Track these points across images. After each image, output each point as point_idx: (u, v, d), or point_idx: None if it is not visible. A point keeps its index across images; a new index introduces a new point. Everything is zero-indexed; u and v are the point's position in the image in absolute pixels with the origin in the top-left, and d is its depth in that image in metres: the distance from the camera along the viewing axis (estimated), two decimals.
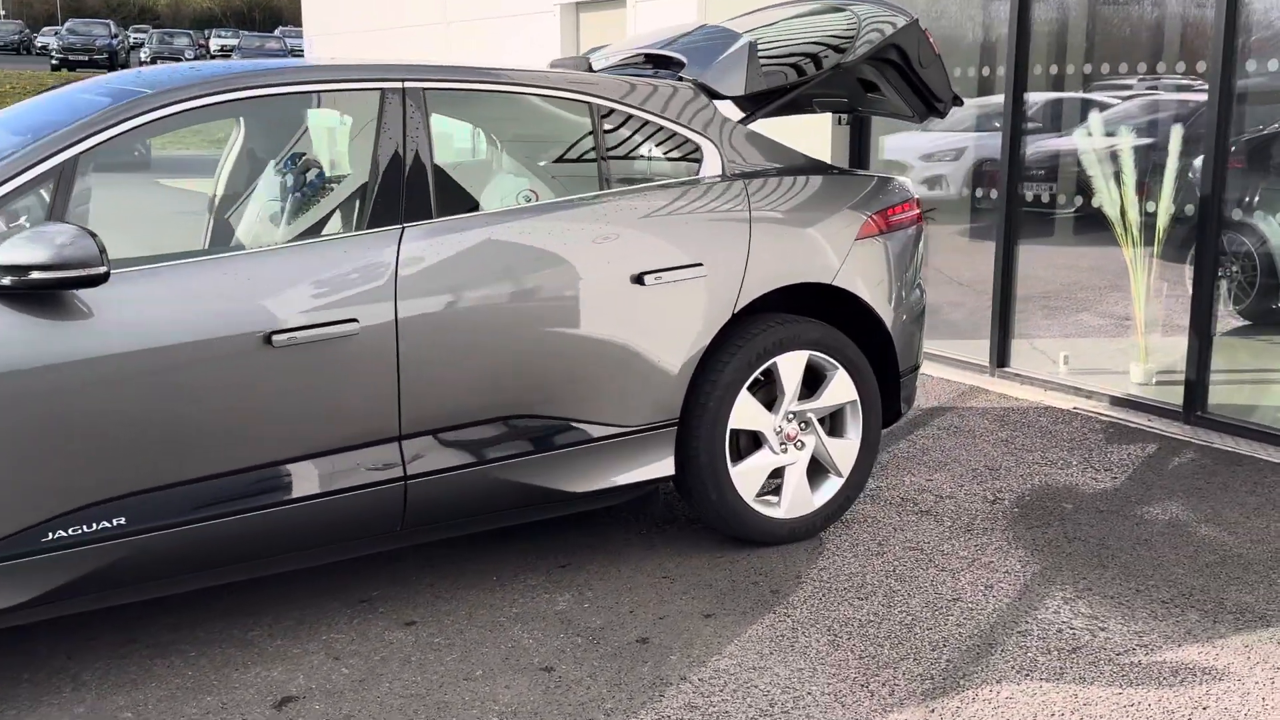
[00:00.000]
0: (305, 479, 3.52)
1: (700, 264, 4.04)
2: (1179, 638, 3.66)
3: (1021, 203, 6.61)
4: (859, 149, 7.52)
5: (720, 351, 4.17)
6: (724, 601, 3.94)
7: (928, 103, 4.83)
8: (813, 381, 4.38)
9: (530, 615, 3.86)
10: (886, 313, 4.48)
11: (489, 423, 3.78)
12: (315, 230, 3.92)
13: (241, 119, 4.21)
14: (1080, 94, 6.74)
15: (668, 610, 3.88)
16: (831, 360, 4.35)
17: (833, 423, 4.50)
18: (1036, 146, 6.85)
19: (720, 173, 4.24)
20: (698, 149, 4.24)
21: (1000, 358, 6.76)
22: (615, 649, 3.63)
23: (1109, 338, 6.92)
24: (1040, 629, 3.73)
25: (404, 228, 3.64)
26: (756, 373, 4.20)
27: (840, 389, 4.39)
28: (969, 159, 7.39)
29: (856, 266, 4.38)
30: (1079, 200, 6.64)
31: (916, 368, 4.73)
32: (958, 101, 4.89)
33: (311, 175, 4.00)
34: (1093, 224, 6.58)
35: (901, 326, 4.54)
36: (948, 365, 7.01)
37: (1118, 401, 6.14)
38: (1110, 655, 3.57)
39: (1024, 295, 6.82)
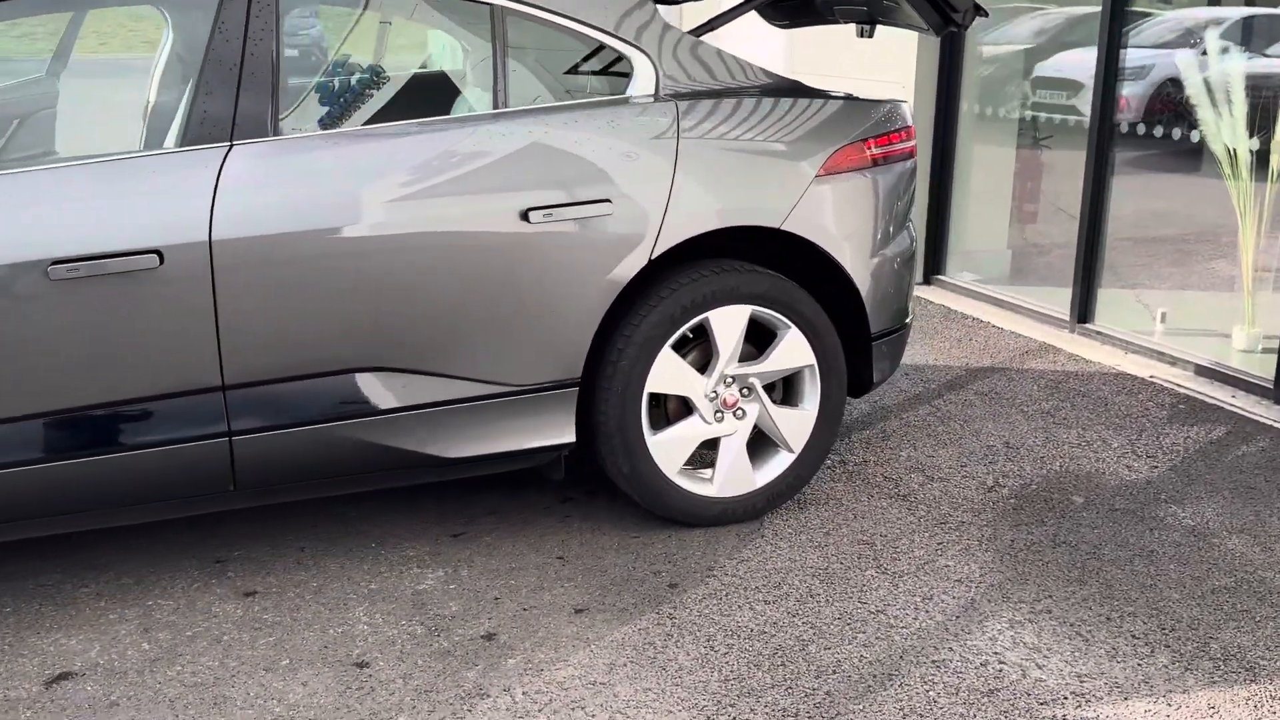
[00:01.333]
0: (114, 429, 3.13)
1: (606, 200, 3.44)
2: (1130, 688, 2.96)
3: (1115, 132, 5.70)
4: (949, 69, 6.67)
5: (636, 303, 3.59)
6: (606, 594, 3.40)
7: (944, 14, 4.08)
8: (766, 342, 3.75)
9: (385, 594, 3.41)
10: (854, 264, 3.79)
11: (336, 375, 3.31)
12: (127, 145, 3.43)
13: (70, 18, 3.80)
14: (1191, 8, 5.76)
15: (538, 600, 3.37)
16: (782, 318, 3.71)
17: (786, 390, 3.87)
18: (1139, 64, 5.90)
19: (653, 92, 3.62)
20: (626, 62, 3.62)
21: (1082, 312, 5.91)
22: (452, 645, 3.15)
23: (1213, 293, 5.98)
24: (960, 660, 3.08)
25: (231, 146, 3.16)
26: (683, 329, 3.61)
27: (793, 352, 3.76)
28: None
29: (815, 208, 3.70)
30: (1184, 131, 5.68)
31: (900, 329, 4.03)
32: (980, 12, 4.12)
33: (122, 82, 3.55)
34: (1198, 159, 5.65)
35: (876, 281, 3.85)
36: (1026, 317, 6.19)
37: (1204, 371, 5.26)
38: (1030, 704, 2.90)
39: (1117, 241, 5.94)
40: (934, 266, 6.87)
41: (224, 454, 3.23)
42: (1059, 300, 6.05)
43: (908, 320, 4.08)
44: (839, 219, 3.75)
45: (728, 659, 3.08)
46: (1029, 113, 6.64)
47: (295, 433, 3.28)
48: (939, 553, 3.63)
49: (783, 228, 3.66)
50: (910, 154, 4.00)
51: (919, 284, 6.87)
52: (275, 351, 3.23)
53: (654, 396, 3.69)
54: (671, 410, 3.76)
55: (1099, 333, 5.80)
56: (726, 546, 3.68)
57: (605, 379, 3.58)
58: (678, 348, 3.68)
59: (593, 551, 3.66)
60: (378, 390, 3.35)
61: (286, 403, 3.27)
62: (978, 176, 6.73)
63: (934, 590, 3.41)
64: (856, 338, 3.93)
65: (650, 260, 3.53)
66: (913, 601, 3.35)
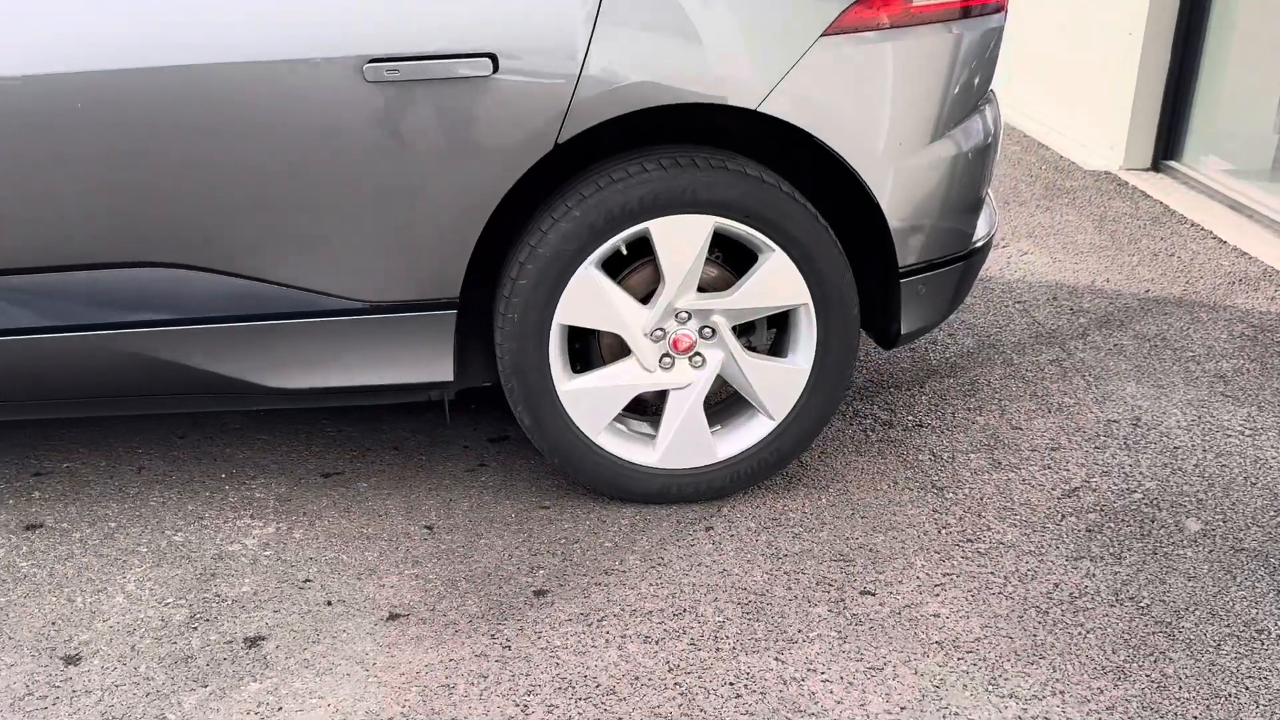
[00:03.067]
0: None
1: (487, 56, 2.45)
2: None
3: None
4: None
5: (544, 205, 2.62)
6: (446, 596, 2.55)
7: None
8: (748, 267, 2.72)
9: (179, 552, 2.69)
10: (874, 166, 2.66)
11: (114, 269, 2.52)
12: None
13: None
14: None
15: (352, 594, 2.56)
16: (762, 237, 2.65)
17: (777, 336, 2.83)
18: None
19: None
20: None
21: None
22: (197, 648, 2.38)
23: None
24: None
25: None
26: (612, 242, 2.62)
27: (776, 284, 2.70)
28: None
29: (818, 82, 2.58)
30: None
31: (955, 260, 2.87)
32: None
33: None
34: None
35: (909, 189, 2.71)
36: (1268, 230, 4.72)
37: None
38: None
39: None
40: (1166, 149, 5.40)
41: None
42: None
43: (974, 245, 2.90)
44: (857, 100, 2.61)
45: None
46: None
47: (56, 339, 2.53)
48: (936, 591, 2.56)
49: (761, 109, 2.56)
50: (998, 6, 2.78)
51: (1142, 169, 5.42)
52: (23, 231, 2.46)
53: (578, 331, 2.74)
54: (608, 349, 2.80)
55: None
56: (649, 540, 2.73)
57: (501, 303, 2.65)
58: (614, 268, 2.70)
59: (473, 524, 2.79)
60: (171, 293, 2.55)
61: (43, 300, 2.51)
62: (1244, 26, 5.12)
63: (890, 659, 2.36)
64: (876, 271, 2.82)
65: (557, 145, 2.52)
66: (852, 676, 2.32)
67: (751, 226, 2.63)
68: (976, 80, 2.77)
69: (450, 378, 2.69)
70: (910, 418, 3.27)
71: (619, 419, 2.82)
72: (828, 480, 2.97)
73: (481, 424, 3.21)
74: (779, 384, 2.78)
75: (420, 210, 2.53)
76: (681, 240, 2.63)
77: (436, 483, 2.95)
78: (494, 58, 2.44)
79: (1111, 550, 2.70)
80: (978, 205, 2.87)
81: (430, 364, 2.67)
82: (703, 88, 2.53)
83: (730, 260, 2.78)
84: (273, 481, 2.95)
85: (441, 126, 2.48)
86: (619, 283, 2.72)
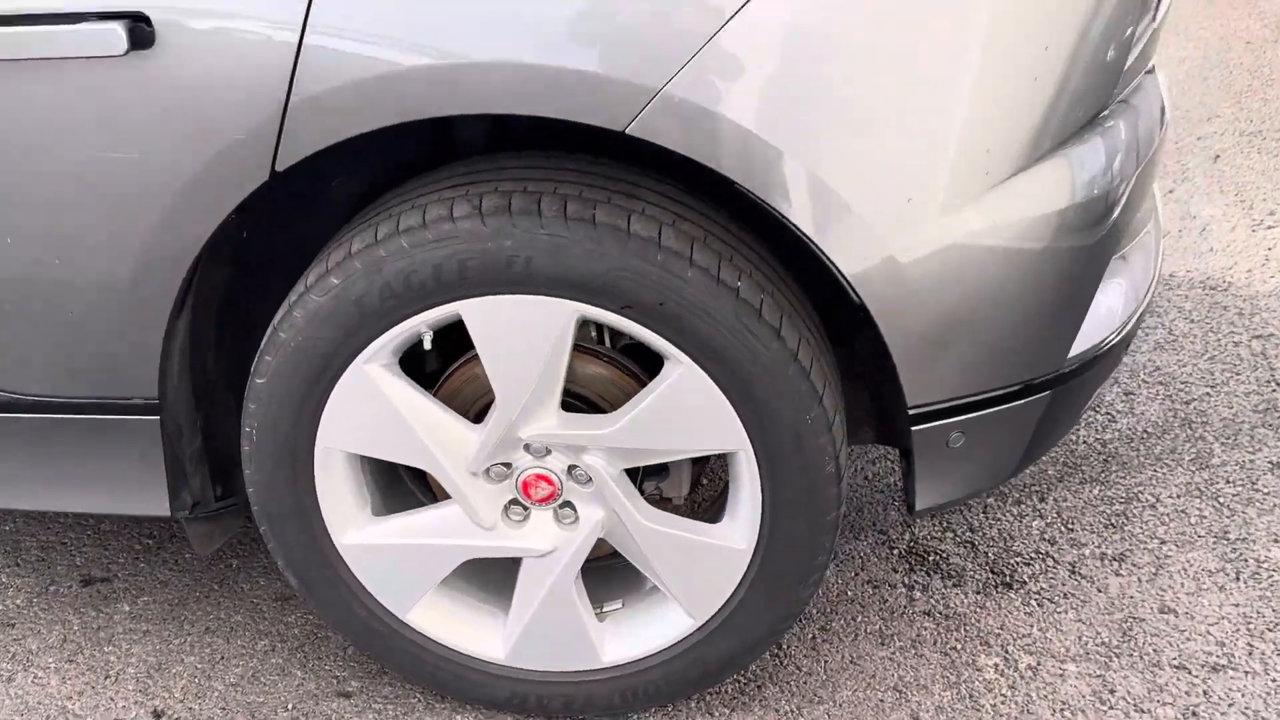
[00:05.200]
0: None
1: (135, 15, 1.38)
2: None
3: None
4: None
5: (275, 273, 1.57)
6: None
7: None
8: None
9: None
10: (858, 242, 1.43)
11: None
12: None
13: None
14: None
15: None
16: (660, 341, 1.50)
17: (707, 490, 1.72)
18: None
19: None
20: None
21: None
22: None
23: None
24: None
25: None
26: (404, 328, 1.54)
27: (690, 414, 1.57)
28: None
29: (740, 81, 1.37)
30: None
31: (1040, 387, 1.61)
32: None
33: None
34: None
35: (938, 289, 1.46)
36: None
37: None
38: None
39: None
40: None
41: None
42: None
43: (1073, 364, 1.63)
44: (825, 107, 1.39)
45: None
46: None
47: None
48: None
49: (630, 132, 1.38)
50: None
51: None
52: None
53: (368, 461, 1.70)
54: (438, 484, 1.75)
55: None
56: None
57: (245, 416, 1.62)
58: (427, 374, 1.64)
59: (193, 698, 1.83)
60: None
61: None
62: None
63: None
64: (880, 401, 1.62)
65: (274, 173, 1.44)
66: None
67: (639, 323, 1.49)
68: (1106, 53, 1.47)
69: (165, 511, 1.70)
70: (990, 574, 2.06)
71: (454, 580, 1.78)
72: (813, 691, 1.84)
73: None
74: (698, 566, 1.66)
75: (54, 268, 1.52)
76: (518, 335, 1.52)
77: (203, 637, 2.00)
78: (144, 21, 1.37)
79: None
80: (1084, 299, 1.59)
81: (126, 489, 1.69)
82: (530, 89, 1.37)
83: (646, 357, 1.65)
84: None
85: (62, 136, 1.43)
86: (442, 384, 1.65)
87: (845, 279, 1.43)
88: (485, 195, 1.47)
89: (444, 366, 1.69)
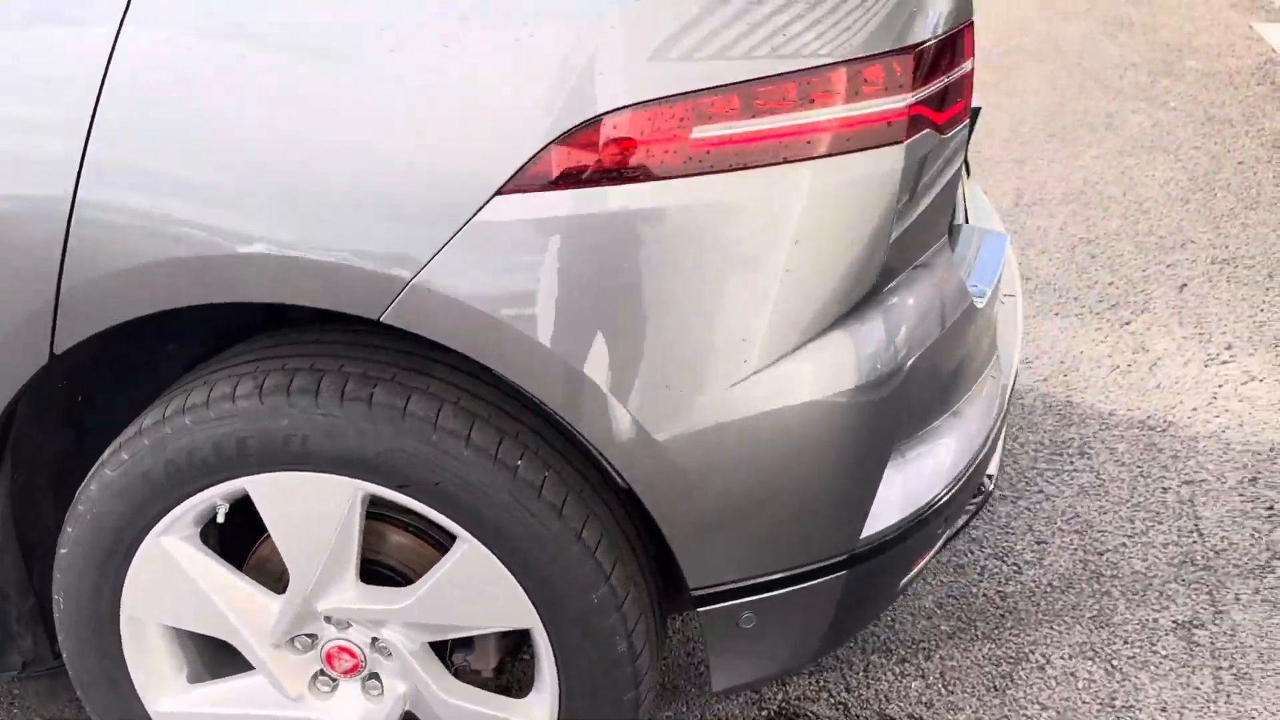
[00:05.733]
0: None
1: None
2: None
3: None
4: None
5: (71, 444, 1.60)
6: None
7: None
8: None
9: None
10: (614, 424, 1.42)
11: None
12: None
13: None
14: None
15: None
16: (442, 518, 1.50)
17: (513, 661, 1.70)
18: None
19: None
20: None
21: None
22: None
23: None
24: None
25: None
26: (197, 501, 1.55)
27: (477, 591, 1.55)
28: None
29: (493, 266, 1.37)
30: None
31: (834, 568, 1.57)
32: None
33: None
34: None
35: (705, 468, 1.44)
36: None
37: None
38: None
39: None
40: None
41: None
42: None
43: (869, 543, 1.58)
44: (579, 302, 1.39)
45: None
46: None
47: None
48: None
49: (384, 320, 1.39)
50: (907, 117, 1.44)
51: None
52: None
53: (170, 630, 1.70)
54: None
55: None
56: None
57: (54, 584, 1.64)
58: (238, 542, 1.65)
59: None
60: None
61: None
62: None
63: None
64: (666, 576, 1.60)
65: (53, 356, 1.47)
66: None
67: (420, 501, 1.48)
68: (868, 236, 1.45)
69: None
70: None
71: None
72: None
73: None
74: None
75: None
76: (304, 511, 1.52)
77: None
78: None
79: None
80: (867, 480, 1.55)
81: None
82: (286, 280, 1.39)
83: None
84: None
85: None
86: (255, 552, 1.66)
87: (608, 463, 1.42)
88: (270, 373, 1.49)
89: (258, 535, 1.70)
